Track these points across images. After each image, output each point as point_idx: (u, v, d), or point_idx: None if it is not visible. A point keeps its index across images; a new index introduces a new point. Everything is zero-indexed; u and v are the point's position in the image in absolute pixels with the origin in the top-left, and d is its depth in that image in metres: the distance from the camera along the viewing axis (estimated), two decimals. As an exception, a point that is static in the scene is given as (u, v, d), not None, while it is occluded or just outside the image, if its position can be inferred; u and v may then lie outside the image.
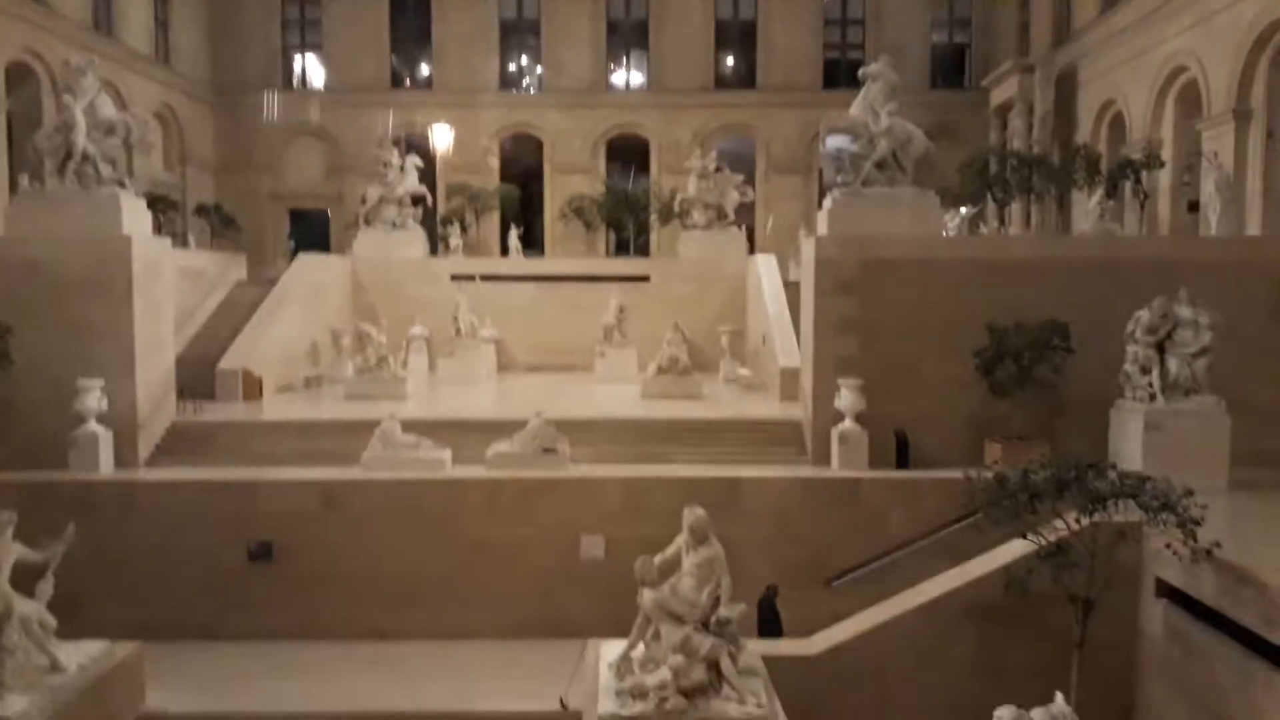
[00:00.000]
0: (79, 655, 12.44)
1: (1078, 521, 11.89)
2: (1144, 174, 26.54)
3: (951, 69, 42.44)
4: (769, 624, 14.58)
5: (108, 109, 19.20)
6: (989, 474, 12.41)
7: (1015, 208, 33.65)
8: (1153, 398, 15.81)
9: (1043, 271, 17.56)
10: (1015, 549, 12.87)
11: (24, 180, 22.54)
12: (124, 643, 13.37)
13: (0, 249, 18.29)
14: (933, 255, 17.90)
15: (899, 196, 18.45)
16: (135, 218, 18.97)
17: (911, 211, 18.39)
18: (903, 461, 17.32)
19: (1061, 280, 17.40)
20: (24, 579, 12.15)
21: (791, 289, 24.42)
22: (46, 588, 12.29)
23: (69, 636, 12.53)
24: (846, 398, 17.20)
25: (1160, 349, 15.90)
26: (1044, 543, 11.88)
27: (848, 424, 17.29)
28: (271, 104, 40.95)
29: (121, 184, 18.97)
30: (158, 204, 27.04)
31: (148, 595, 16.03)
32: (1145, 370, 15.96)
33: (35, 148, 19.11)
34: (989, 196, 29.69)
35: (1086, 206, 26.21)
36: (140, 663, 13.57)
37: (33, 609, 11.97)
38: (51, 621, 12.20)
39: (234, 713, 13.64)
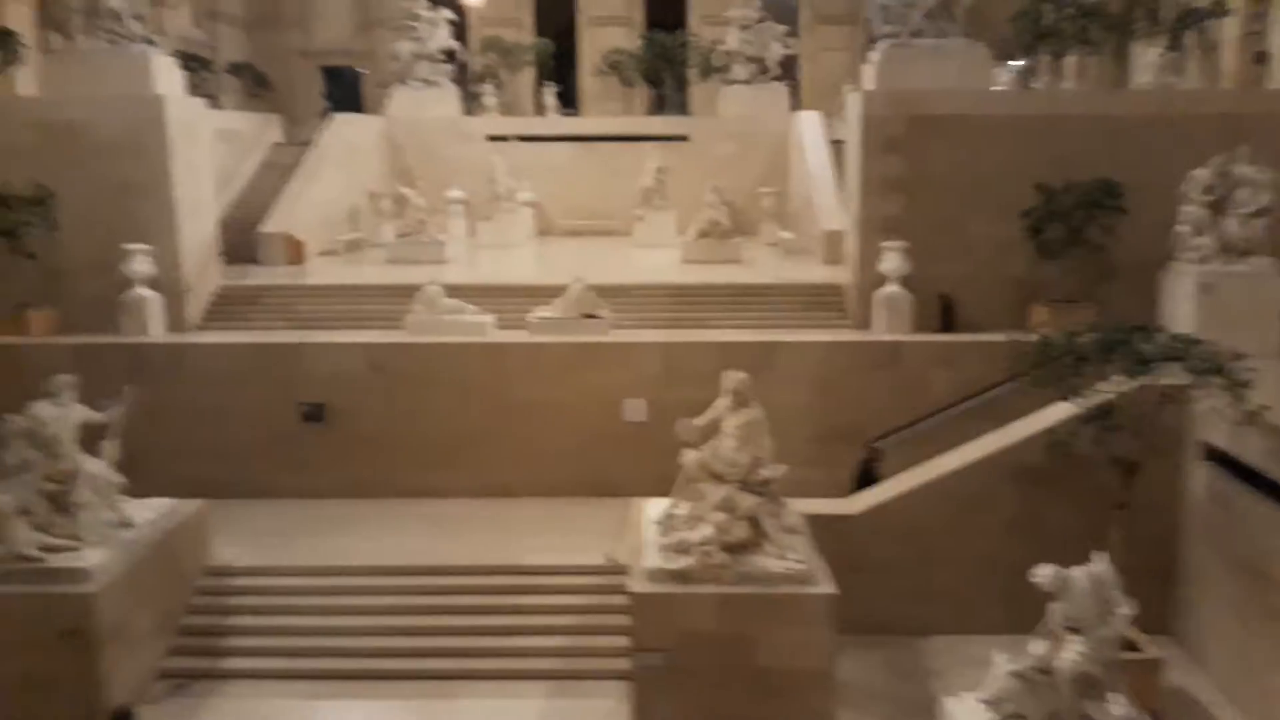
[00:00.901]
0: (146, 512, 13.02)
1: (1123, 385, 11.83)
2: (1208, 23, 25.17)
3: (1008, -91, 40.04)
4: (868, 482, 14.97)
5: (132, -42, 18.74)
6: (1033, 336, 12.31)
7: (1070, 61, 32.19)
8: (1206, 259, 15.45)
9: (1097, 128, 16.98)
10: (1059, 411, 12.86)
11: (54, 39, 22.23)
12: (188, 500, 13.94)
13: (39, 111, 18.20)
14: (983, 111, 17.33)
15: (948, 49, 17.77)
16: (167, 77, 18.71)
17: (961, 65, 17.74)
18: (947, 325, 17.19)
19: (1116, 137, 16.83)
20: (86, 439, 12.58)
21: (836, 147, 23.83)
22: (112, 448, 12.72)
23: (130, 495, 13.04)
24: (891, 260, 16.97)
25: (1218, 209, 15.45)
26: (1088, 405, 11.88)
27: (891, 287, 17.11)
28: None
29: (150, 41, 18.64)
30: (189, 63, 26.57)
31: (203, 455, 16.53)
32: (1199, 231, 15.55)
33: (62, 2, 18.75)
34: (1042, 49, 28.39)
35: (1146, 59, 25.04)
36: (204, 519, 14.17)
37: (100, 468, 12.44)
38: (119, 479, 12.70)
39: (293, 566, 14.24)
